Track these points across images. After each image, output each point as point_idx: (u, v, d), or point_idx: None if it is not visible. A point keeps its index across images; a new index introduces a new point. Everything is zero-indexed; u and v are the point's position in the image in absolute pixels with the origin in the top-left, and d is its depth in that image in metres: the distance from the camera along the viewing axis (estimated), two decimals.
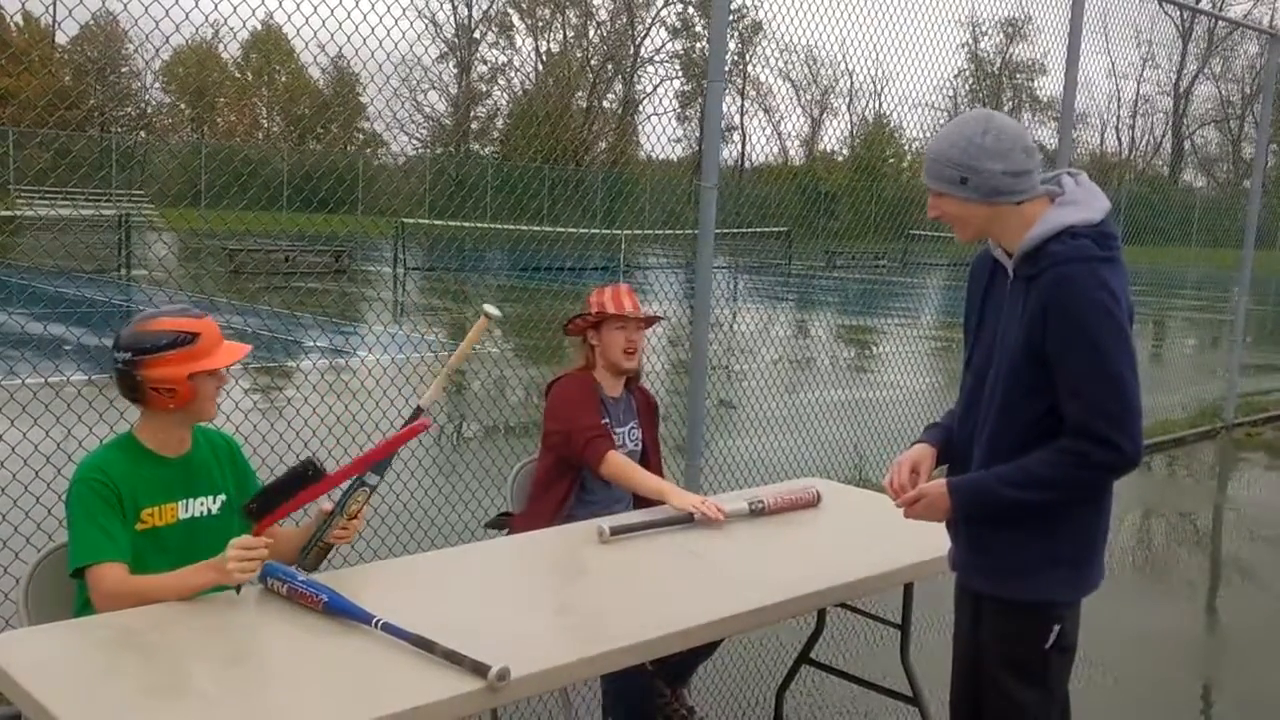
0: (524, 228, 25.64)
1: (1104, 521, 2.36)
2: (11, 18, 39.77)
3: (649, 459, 3.64)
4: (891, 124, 36.23)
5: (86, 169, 26.42)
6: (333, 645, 2.21)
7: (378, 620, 2.24)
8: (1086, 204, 2.27)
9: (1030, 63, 46.44)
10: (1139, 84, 57.07)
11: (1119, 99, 55.69)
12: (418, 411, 2.85)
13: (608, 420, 3.52)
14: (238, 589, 2.44)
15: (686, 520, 3.15)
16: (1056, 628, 2.32)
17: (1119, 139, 58.92)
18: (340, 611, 2.30)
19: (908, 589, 3.33)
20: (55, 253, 18.60)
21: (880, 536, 3.23)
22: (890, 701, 3.54)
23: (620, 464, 3.38)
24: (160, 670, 2.13)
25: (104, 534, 2.50)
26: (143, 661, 2.16)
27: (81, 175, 25.14)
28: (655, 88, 53.86)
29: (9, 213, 21.91)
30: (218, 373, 2.66)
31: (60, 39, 42.40)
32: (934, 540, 2.61)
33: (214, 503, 2.73)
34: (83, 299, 14.12)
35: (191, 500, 2.68)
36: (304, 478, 2.44)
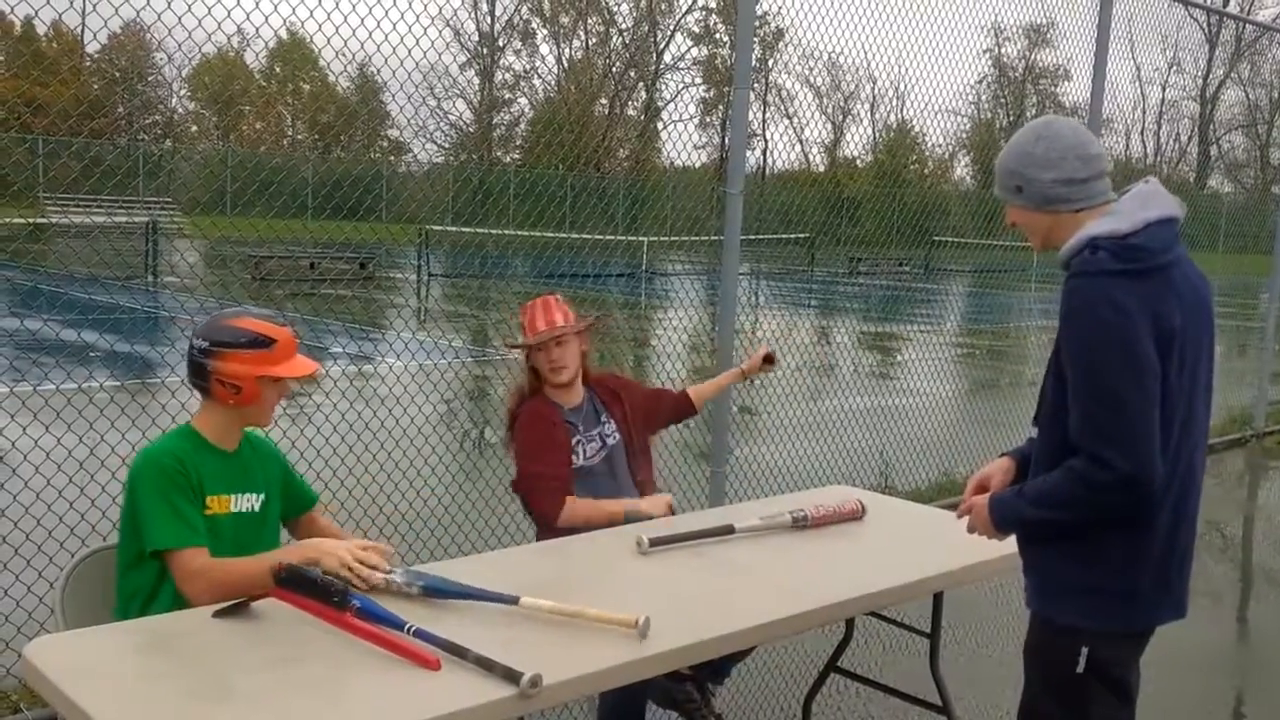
0: (547, 234, 25.69)
1: (1149, 551, 2.24)
2: (49, 26, 40.20)
3: (632, 444, 3.65)
4: (914, 130, 36.20)
5: (116, 177, 26.68)
6: (365, 651, 2.22)
7: (410, 626, 2.25)
8: (1125, 214, 2.24)
9: (1055, 68, 46.22)
10: (1165, 89, 56.69)
11: (1144, 104, 55.35)
12: (515, 599, 2.65)
13: (577, 437, 3.52)
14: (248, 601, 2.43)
15: (726, 532, 3.15)
16: (1085, 650, 2.26)
17: (1144, 145, 58.54)
18: (372, 617, 2.31)
19: (937, 598, 3.32)
20: (85, 260, 18.79)
21: (910, 545, 3.22)
22: (919, 710, 3.53)
23: (578, 512, 3.37)
24: (196, 674, 2.15)
25: (183, 518, 2.55)
26: (179, 665, 2.18)
27: (111, 183, 25.38)
28: (677, 94, 53.96)
29: (41, 220, 22.13)
30: (283, 383, 2.72)
31: (90, 48, 42.84)
32: (964, 550, 2.61)
33: (256, 501, 2.78)
34: (112, 305, 14.25)
35: (241, 496, 2.74)
36: (330, 598, 2.34)
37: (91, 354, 10.84)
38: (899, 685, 3.63)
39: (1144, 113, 55.92)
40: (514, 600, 2.44)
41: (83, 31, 39.73)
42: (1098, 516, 2.20)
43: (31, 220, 21.55)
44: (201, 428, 2.72)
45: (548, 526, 3.41)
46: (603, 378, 3.75)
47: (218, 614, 2.38)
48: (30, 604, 3.68)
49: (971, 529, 2.42)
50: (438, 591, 2.45)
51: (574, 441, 3.53)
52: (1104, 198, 2.29)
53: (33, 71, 32.81)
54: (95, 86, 41.18)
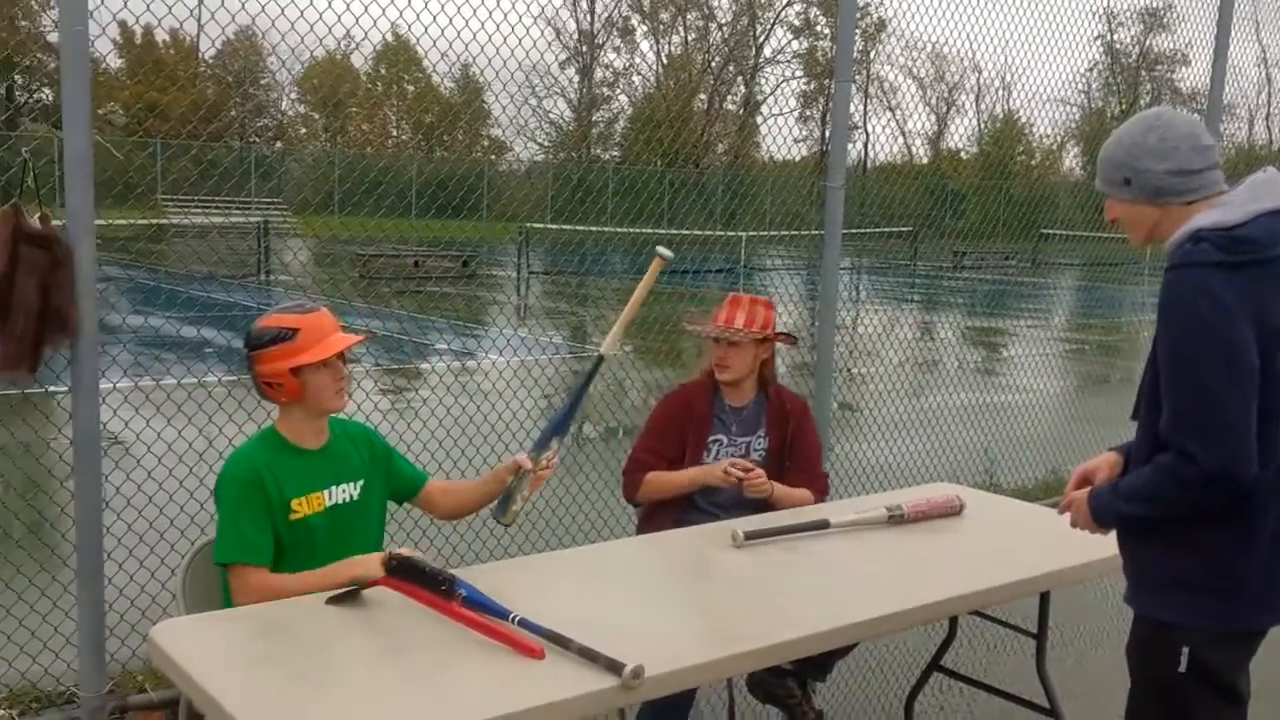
0: (645, 230, 25.77)
1: (1254, 549, 2.18)
2: (168, 32, 41.73)
3: (776, 468, 3.56)
4: (1021, 120, 35.36)
5: (231, 179, 27.56)
6: (471, 639, 2.27)
7: (515, 616, 2.29)
8: (1235, 205, 2.17)
9: (1171, 53, 44.71)
10: None
11: (1270, 88, 53.12)
12: (600, 360, 3.07)
13: (718, 435, 3.51)
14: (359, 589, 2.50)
15: (821, 527, 3.14)
16: (1185, 650, 2.21)
17: (1270, 130, 56.17)
18: (478, 606, 2.35)
19: (1044, 597, 3.25)
20: (202, 259, 19.47)
21: (1017, 543, 3.17)
22: (1025, 712, 3.47)
23: (652, 485, 3.47)
24: (310, 660, 2.22)
25: (245, 536, 2.63)
26: (294, 651, 2.26)
27: (224, 184, 26.24)
28: (776, 88, 53.63)
29: (161, 221, 22.99)
30: (332, 365, 2.71)
31: (205, 54, 44.32)
32: (1072, 549, 2.56)
33: (354, 489, 2.84)
34: (228, 303, 14.74)
35: (335, 488, 2.80)
36: (437, 586, 2.41)
37: (207, 350, 11.24)
38: (1004, 686, 3.57)
39: (1269, 97, 53.68)
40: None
41: (198, 38, 41.19)
42: (1188, 512, 2.16)
43: (153, 222, 22.39)
44: (282, 429, 2.78)
45: (632, 504, 3.57)
46: (784, 395, 3.65)
47: (330, 601, 2.45)
48: (154, 589, 3.84)
49: (1073, 524, 2.40)
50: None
51: (711, 439, 3.53)
52: (1215, 189, 2.23)
53: (154, 78, 34.13)
54: (210, 91, 42.59)
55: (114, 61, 40.98)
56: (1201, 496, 2.11)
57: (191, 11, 4.10)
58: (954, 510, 3.34)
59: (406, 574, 2.46)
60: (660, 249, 3.11)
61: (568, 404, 3.08)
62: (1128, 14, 44.87)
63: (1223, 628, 2.22)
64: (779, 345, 3.67)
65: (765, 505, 3.49)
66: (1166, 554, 2.23)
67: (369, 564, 2.55)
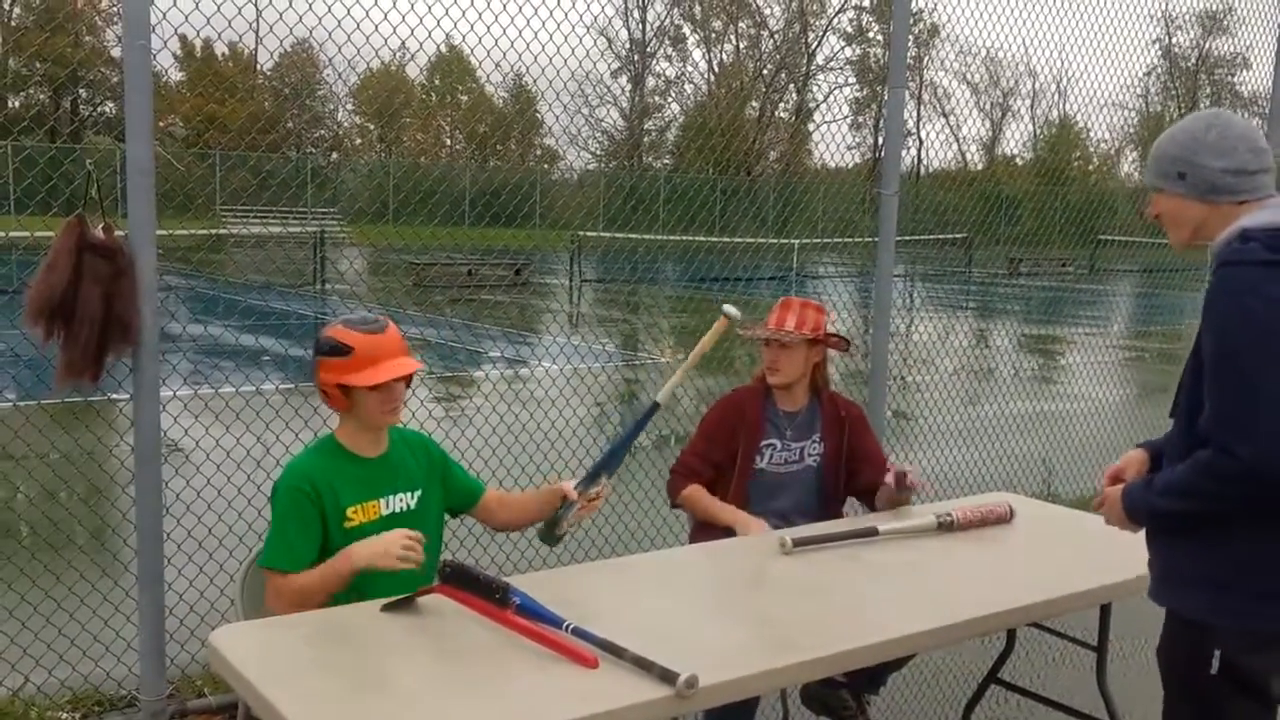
0: (697, 238, 25.77)
1: None
2: (227, 45, 42.50)
3: (832, 475, 3.57)
4: (1077, 126, 34.91)
5: (289, 190, 27.96)
6: (526, 648, 2.28)
7: (568, 624, 2.29)
8: None
9: (1232, 56, 43.90)
10: None
11: None
12: (654, 407, 3.08)
13: (770, 440, 3.50)
14: (413, 597, 2.51)
15: (871, 534, 3.11)
16: (1217, 653, 2.17)
17: None
18: (532, 615, 2.36)
19: (1105, 609, 3.19)
20: (260, 268, 19.76)
21: (1076, 554, 3.11)
22: None
23: (692, 501, 3.47)
24: (365, 666, 2.24)
25: (290, 544, 2.65)
26: (349, 656, 2.28)
27: (282, 194, 26.63)
28: (828, 95, 53.39)
29: (220, 232, 23.39)
30: (383, 388, 2.70)
31: (260, 66, 45.06)
32: (1133, 560, 2.50)
33: (412, 498, 2.85)
34: (285, 312, 14.95)
35: (392, 497, 2.81)
36: (492, 595, 2.42)
37: (264, 358, 11.40)
38: (1062, 698, 3.51)
39: None
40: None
41: (256, 50, 41.90)
42: (1224, 508, 2.13)
43: (212, 232, 22.78)
44: (340, 436, 2.80)
45: (672, 507, 3.60)
46: (839, 401, 3.64)
47: (385, 609, 2.47)
48: (213, 595, 3.90)
49: (1107, 521, 2.39)
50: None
51: (764, 443, 3.52)
52: (1266, 192, 2.20)
53: (213, 91, 34.74)
54: (268, 104, 43.29)
55: (175, 75, 41.86)
56: (1239, 492, 2.09)
57: (250, 25, 4.16)
58: (1004, 518, 3.30)
59: (460, 581, 2.47)
60: (727, 308, 3.12)
61: (618, 443, 3.07)
62: (1186, 17, 44.18)
63: (1253, 628, 2.18)
64: (833, 353, 3.65)
65: (822, 515, 3.48)
66: (1197, 551, 2.21)
67: (370, 550, 2.57)
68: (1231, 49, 44.38)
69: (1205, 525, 2.18)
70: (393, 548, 2.56)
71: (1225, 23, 43.65)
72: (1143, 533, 2.37)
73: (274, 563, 2.65)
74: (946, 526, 3.20)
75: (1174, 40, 45.32)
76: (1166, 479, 2.23)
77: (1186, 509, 2.18)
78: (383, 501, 2.79)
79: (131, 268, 3.18)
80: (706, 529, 3.44)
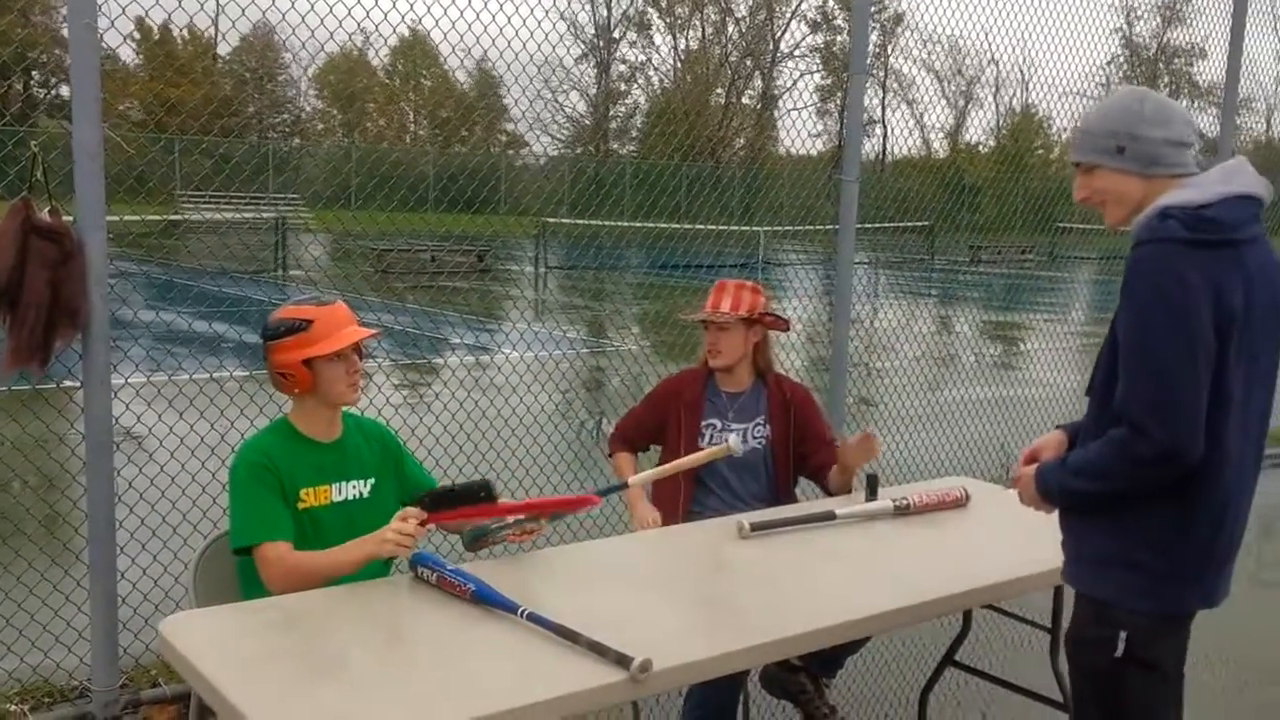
0: (662, 225, 25.75)
1: (1195, 534, 2.16)
2: (180, 30, 41.89)
3: (782, 457, 3.58)
4: (1039, 114, 35.16)
5: (245, 174, 27.64)
6: (480, 634, 2.27)
7: (523, 610, 2.28)
8: (1204, 186, 2.14)
9: (1190, 47, 44.39)
10: None
11: None
12: (624, 485, 3.20)
13: (712, 420, 3.53)
14: (388, 567, 2.54)
15: (828, 518, 3.12)
16: (1123, 635, 2.19)
17: None
18: (487, 601, 2.35)
19: (1058, 591, 3.22)
20: (217, 255, 19.53)
21: (1030, 537, 3.13)
22: (1038, 706, 3.43)
23: (617, 467, 3.63)
24: (319, 653, 2.22)
25: (265, 514, 2.62)
26: (303, 644, 2.26)
27: (241, 180, 26.31)
28: (794, 82, 53.46)
29: (175, 217, 23.09)
30: (345, 357, 2.72)
31: (220, 50, 44.49)
32: None
33: (365, 487, 2.83)
34: (242, 298, 14.79)
35: (344, 483, 2.79)
36: (476, 497, 2.56)
37: (223, 345, 11.27)
38: (1024, 680, 3.54)
39: None
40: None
41: (215, 34, 41.33)
42: (1133, 489, 2.14)
43: (168, 217, 22.46)
44: (295, 420, 2.79)
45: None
46: (785, 383, 3.65)
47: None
48: (167, 583, 3.85)
49: (1021, 500, 2.39)
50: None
51: (704, 424, 3.54)
52: (1191, 169, 2.20)
53: (168, 73, 34.23)
54: (227, 87, 42.73)
55: (133, 58, 41.20)
56: (1149, 473, 2.10)
57: (202, 5, 4.10)
58: (960, 502, 3.33)
59: (444, 503, 2.57)
60: (731, 440, 3.25)
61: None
62: (1146, 7, 44.61)
63: (1157, 608, 2.20)
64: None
65: (773, 499, 3.49)
66: (1107, 531, 2.22)
67: (380, 540, 2.56)
68: (1189, 40, 44.90)
69: (1114, 505, 2.18)
70: (388, 533, 2.56)
71: (1183, 13, 44.14)
72: (1032, 505, 2.37)
73: (259, 536, 2.61)
74: (903, 511, 3.22)
75: (1134, 30, 45.78)
76: (1080, 459, 2.22)
77: (1100, 489, 2.18)
78: (334, 487, 2.76)
79: (80, 252, 3.13)
80: (663, 508, 3.48)
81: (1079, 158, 2.28)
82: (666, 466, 3.27)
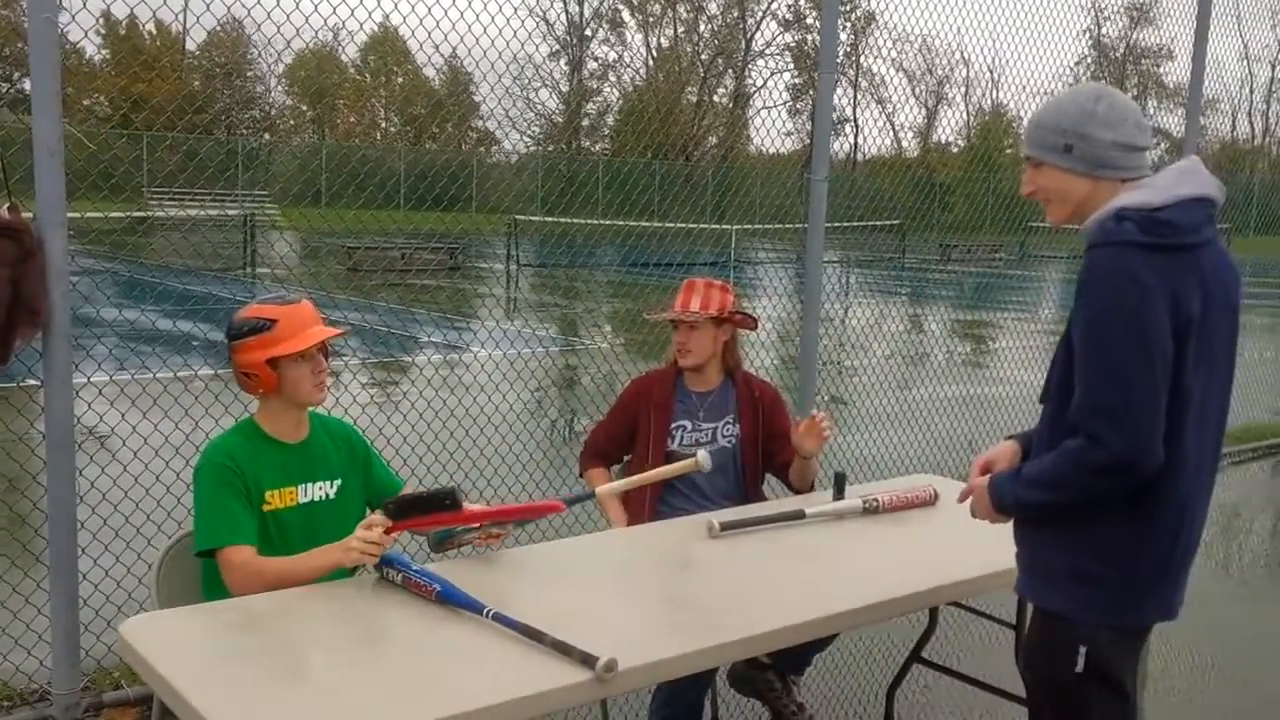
0: (634, 223, 25.75)
1: (1153, 544, 2.12)
2: (145, 25, 41.45)
3: (752, 456, 3.57)
4: (1009, 114, 35.42)
5: (214, 170, 27.41)
6: (445, 634, 2.25)
7: (489, 610, 2.27)
8: (1159, 188, 2.11)
9: (1157, 48, 44.86)
10: (1275, 67, 54.60)
11: (1252, 83, 53.35)
12: (590, 495, 3.18)
13: (681, 421, 3.52)
14: (353, 571, 2.52)
15: (797, 517, 3.13)
16: (1083, 650, 2.14)
17: (1252, 125, 56.46)
18: (452, 601, 2.33)
19: None
20: (184, 252, 19.35)
21: (996, 536, 3.14)
22: (1003, 703, 3.45)
23: (591, 482, 3.54)
24: (282, 654, 2.20)
25: (230, 517, 2.59)
26: (265, 645, 2.23)
27: (209, 176, 26.10)
28: (766, 81, 53.58)
29: (141, 214, 22.85)
30: (310, 357, 2.70)
31: (189, 45, 44.08)
32: None
33: (331, 488, 2.80)
34: (209, 296, 14.66)
35: (310, 485, 2.76)
36: (442, 504, 2.53)
37: (190, 344, 11.17)
38: (992, 678, 3.56)
39: (1252, 91, 53.90)
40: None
41: (184, 28, 40.93)
42: (1090, 500, 2.09)
43: (133, 214, 22.24)
44: (260, 420, 2.76)
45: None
46: (753, 382, 3.64)
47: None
48: (130, 584, 3.80)
49: (973, 513, 2.32)
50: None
51: (674, 425, 3.53)
52: (1144, 172, 2.17)
53: (134, 67, 33.86)
54: (195, 82, 42.34)
55: (100, 53, 40.74)
56: (1106, 483, 2.05)
57: (165, 1, 4.05)
58: (929, 501, 3.34)
59: (409, 511, 2.54)
60: (700, 455, 3.24)
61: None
62: (1114, 8, 45.05)
63: (1117, 622, 2.16)
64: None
65: (742, 498, 3.49)
66: (1063, 544, 2.17)
67: (345, 549, 2.52)
68: (1157, 41, 45.37)
69: (1070, 517, 2.14)
70: (352, 542, 2.52)
71: (1150, 14, 44.62)
72: (985, 518, 2.32)
73: (224, 539, 2.58)
74: (872, 510, 3.22)
75: (1103, 31, 46.22)
76: (1035, 470, 2.17)
77: (1055, 500, 2.13)
78: (300, 489, 2.74)
79: (40, 249, 3.08)
80: (631, 509, 3.47)
81: (1028, 151, 2.25)
82: (634, 478, 3.27)
